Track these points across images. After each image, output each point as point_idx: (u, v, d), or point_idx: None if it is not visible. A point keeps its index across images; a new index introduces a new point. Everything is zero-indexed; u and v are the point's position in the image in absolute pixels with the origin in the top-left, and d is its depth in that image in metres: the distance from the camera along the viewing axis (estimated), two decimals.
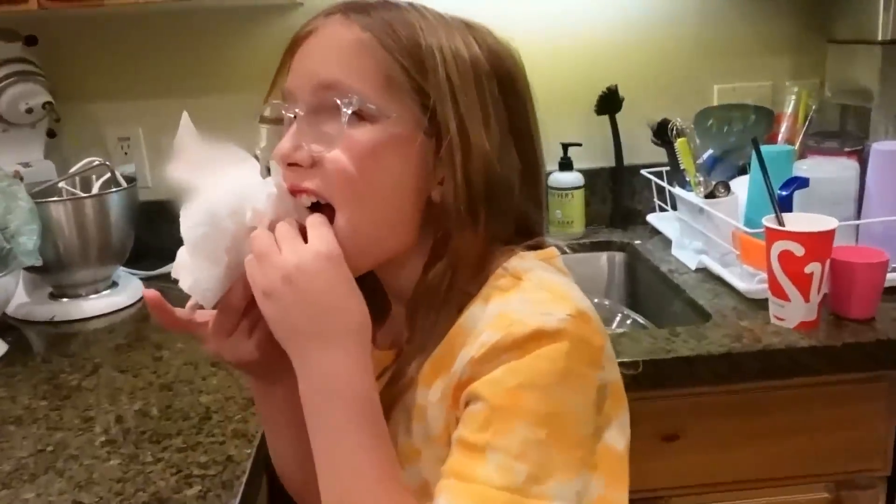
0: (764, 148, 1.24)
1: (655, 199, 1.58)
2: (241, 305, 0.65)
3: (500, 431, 0.55)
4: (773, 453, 1.09)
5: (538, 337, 0.56)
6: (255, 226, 0.62)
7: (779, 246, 1.05)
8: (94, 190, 1.36)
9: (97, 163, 1.33)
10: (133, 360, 1.11)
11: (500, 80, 0.65)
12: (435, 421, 0.62)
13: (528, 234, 0.68)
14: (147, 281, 1.44)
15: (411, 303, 0.67)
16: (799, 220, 1.08)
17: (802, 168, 1.27)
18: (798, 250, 1.03)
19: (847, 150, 1.32)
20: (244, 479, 0.79)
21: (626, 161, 1.62)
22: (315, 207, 0.64)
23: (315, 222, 0.62)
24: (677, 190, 1.41)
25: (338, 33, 0.63)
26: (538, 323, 0.57)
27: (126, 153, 1.55)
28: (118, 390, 1.02)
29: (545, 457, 0.55)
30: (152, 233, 1.50)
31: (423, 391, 0.64)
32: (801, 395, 1.07)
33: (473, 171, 0.62)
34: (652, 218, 1.59)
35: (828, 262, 1.05)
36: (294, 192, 0.64)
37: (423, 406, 0.63)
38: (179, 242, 1.61)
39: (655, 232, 1.56)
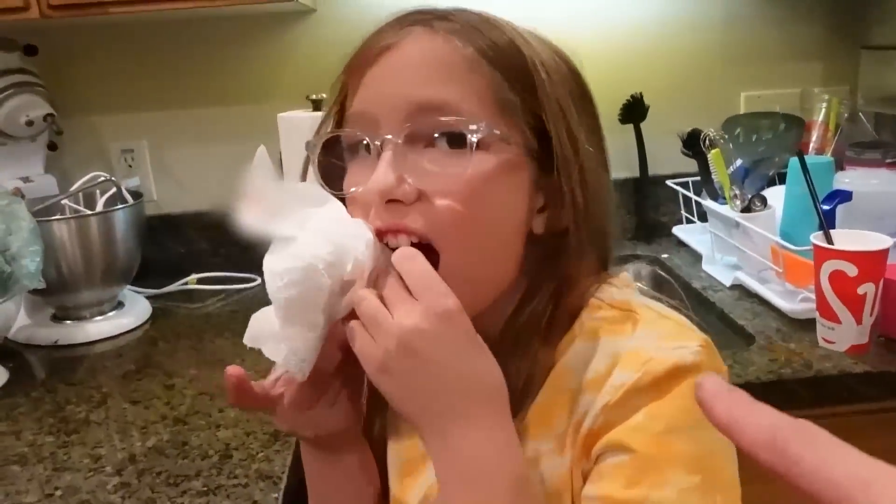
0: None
1: (682, 211, 1.52)
2: (330, 374, 0.56)
3: (655, 484, 0.50)
4: None
5: (676, 374, 0.52)
6: (352, 279, 0.52)
7: (829, 266, 0.99)
8: (99, 206, 1.29)
9: (102, 178, 1.26)
10: (143, 388, 1.05)
11: (582, 94, 0.60)
12: (552, 474, 0.55)
13: (605, 259, 0.63)
14: (154, 300, 1.38)
15: (504, 345, 0.57)
16: (847, 238, 1.02)
17: (844, 181, 1.22)
18: (851, 270, 0.97)
19: (889, 161, 1.26)
20: None
21: (651, 171, 1.56)
22: None
23: (419, 270, 0.51)
24: (709, 202, 1.35)
25: (432, 47, 0.55)
26: (675, 358, 0.52)
27: (130, 166, 1.49)
28: (129, 424, 0.95)
29: (705, 502, 0.51)
30: (158, 248, 1.45)
31: (531, 443, 0.56)
32: (853, 423, 1.00)
33: (589, 194, 0.56)
34: (678, 231, 1.53)
35: (881, 282, 0.99)
36: (387, 233, 0.54)
37: (533, 459, 0.56)
38: (187, 257, 1.53)
39: (682, 245, 1.50)
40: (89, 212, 1.27)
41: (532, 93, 0.56)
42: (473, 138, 0.53)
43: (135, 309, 1.31)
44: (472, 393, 0.50)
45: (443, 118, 0.53)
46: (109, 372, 1.12)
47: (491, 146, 0.54)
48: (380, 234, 0.54)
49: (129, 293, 1.36)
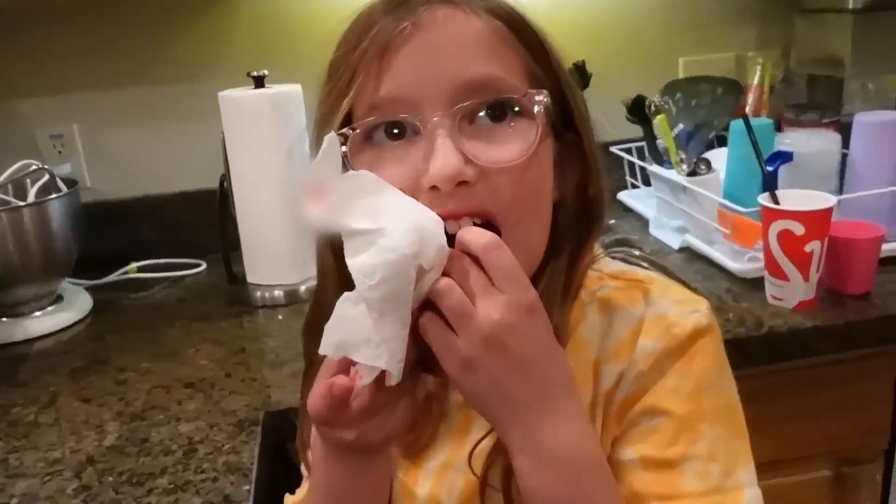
0: (741, 123, 1.20)
1: (627, 177, 1.54)
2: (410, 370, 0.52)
3: (691, 440, 0.55)
4: (777, 436, 1.06)
5: (696, 336, 0.57)
6: (428, 267, 0.49)
7: (778, 225, 1.02)
8: (31, 197, 1.23)
9: (34, 167, 1.20)
10: (95, 385, 1.01)
11: None
12: None
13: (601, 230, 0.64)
14: (94, 291, 1.32)
15: None
16: (792, 198, 1.05)
17: (785, 142, 1.25)
18: (798, 229, 1.00)
19: (826, 121, 1.29)
20: None
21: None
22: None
23: (506, 261, 0.49)
24: (655, 167, 1.36)
25: (466, 23, 0.54)
26: (694, 321, 0.58)
27: (60, 152, 1.42)
28: (83, 423, 0.91)
29: (729, 449, 0.56)
30: (95, 237, 1.39)
31: None
32: (805, 377, 1.05)
33: (596, 167, 0.59)
34: (623, 196, 1.55)
35: (826, 239, 1.02)
36: (454, 217, 0.52)
37: None
38: (127, 246, 1.45)
39: (628, 210, 1.52)
40: (21, 203, 1.20)
41: (548, 63, 0.57)
42: (538, 109, 0.54)
43: (75, 302, 1.26)
44: (554, 384, 0.51)
45: (503, 94, 0.54)
46: (55, 370, 1.07)
47: (537, 118, 0.54)
48: (444, 220, 0.51)
49: (68, 286, 1.30)
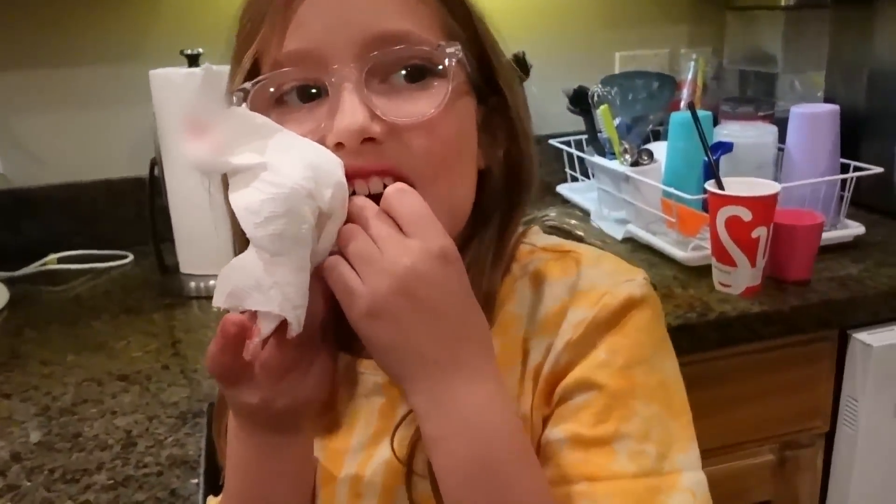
0: (683, 114, 1.22)
1: (567, 170, 1.54)
2: (312, 330, 0.48)
3: (623, 417, 0.51)
4: (724, 421, 1.07)
5: (629, 306, 0.53)
6: (329, 210, 0.46)
7: (725, 212, 1.03)
8: None
9: None
10: (15, 381, 0.93)
11: None
12: None
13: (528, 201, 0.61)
14: (10, 284, 1.23)
15: None
16: (737, 185, 1.06)
17: (723, 133, 1.27)
18: (746, 215, 1.01)
19: (761, 114, 1.33)
20: None
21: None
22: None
23: (415, 206, 0.47)
24: (597, 159, 1.37)
25: None
26: (627, 291, 0.53)
27: None
28: (6, 420, 0.83)
29: (664, 430, 0.52)
30: (10, 228, 1.29)
31: None
32: (752, 362, 1.06)
33: (525, 134, 0.56)
34: (563, 189, 1.55)
35: (771, 226, 1.04)
36: (357, 177, 0.49)
37: None
38: (45, 237, 1.37)
39: (567, 203, 1.52)
40: None
41: (468, 20, 0.55)
42: (449, 63, 0.51)
43: None
44: (465, 340, 0.47)
45: (413, 47, 0.51)
46: None
47: (449, 75, 0.52)
48: (349, 180, 0.48)
49: None
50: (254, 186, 0.44)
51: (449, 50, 0.51)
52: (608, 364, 0.52)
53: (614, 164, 1.32)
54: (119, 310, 1.13)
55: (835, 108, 1.21)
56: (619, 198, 1.33)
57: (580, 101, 1.40)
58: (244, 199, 0.44)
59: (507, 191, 0.58)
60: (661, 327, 0.56)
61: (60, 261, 1.30)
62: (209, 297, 1.15)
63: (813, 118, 1.20)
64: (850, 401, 1.10)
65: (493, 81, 0.56)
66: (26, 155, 1.36)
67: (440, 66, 0.52)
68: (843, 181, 1.21)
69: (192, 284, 1.17)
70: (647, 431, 0.51)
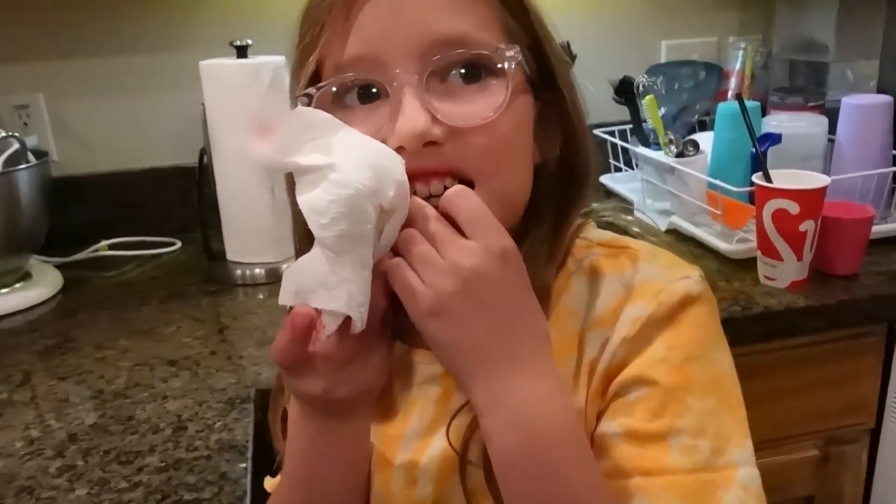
0: (730, 105, 1.20)
1: (610, 160, 1.53)
2: (374, 324, 0.50)
3: (677, 412, 0.52)
4: (767, 415, 1.05)
5: (686, 303, 0.54)
6: (391, 208, 0.47)
7: (773, 205, 1.01)
8: None
9: (3, 134, 1.13)
10: (70, 363, 0.96)
11: None
12: None
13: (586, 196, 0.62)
14: (63, 269, 1.26)
15: None
16: (785, 178, 1.05)
17: (772, 124, 1.25)
18: (793, 208, 1.00)
19: (811, 105, 1.30)
20: (248, 501, 0.68)
21: None
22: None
23: (473, 208, 0.48)
24: (642, 149, 1.35)
25: None
26: (684, 288, 0.54)
27: (26, 123, 1.35)
28: (62, 402, 0.87)
29: (720, 425, 0.52)
30: (62, 213, 1.33)
31: None
32: (796, 356, 1.05)
33: (581, 129, 0.56)
34: (606, 179, 1.54)
35: (819, 219, 1.02)
36: (419, 179, 0.50)
37: None
38: (95, 223, 1.39)
39: (610, 194, 1.52)
40: None
41: (525, 18, 0.55)
42: (508, 66, 0.51)
43: (44, 280, 1.20)
44: (526, 338, 0.48)
45: (472, 51, 0.51)
46: (26, 348, 1.01)
47: (508, 76, 0.52)
48: (409, 181, 0.49)
49: (35, 263, 1.24)
50: (321, 187, 0.45)
51: (509, 53, 0.52)
52: (665, 360, 0.53)
53: (659, 155, 1.30)
54: (167, 295, 1.16)
55: (888, 99, 1.18)
56: (663, 189, 1.32)
57: (625, 91, 1.38)
58: (311, 201, 0.45)
59: (562, 185, 0.59)
60: (717, 323, 0.56)
61: (111, 247, 1.34)
62: (255, 285, 1.19)
63: (865, 109, 1.18)
64: None
65: (549, 77, 0.56)
66: (78, 143, 1.39)
67: (500, 69, 0.52)
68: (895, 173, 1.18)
69: (238, 272, 1.20)
70: (702, 427, 0.52)
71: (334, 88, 0.53)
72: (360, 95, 0.53)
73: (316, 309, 0.47)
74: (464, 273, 0.46)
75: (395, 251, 0.49)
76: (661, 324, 0.53)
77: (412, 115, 0.50)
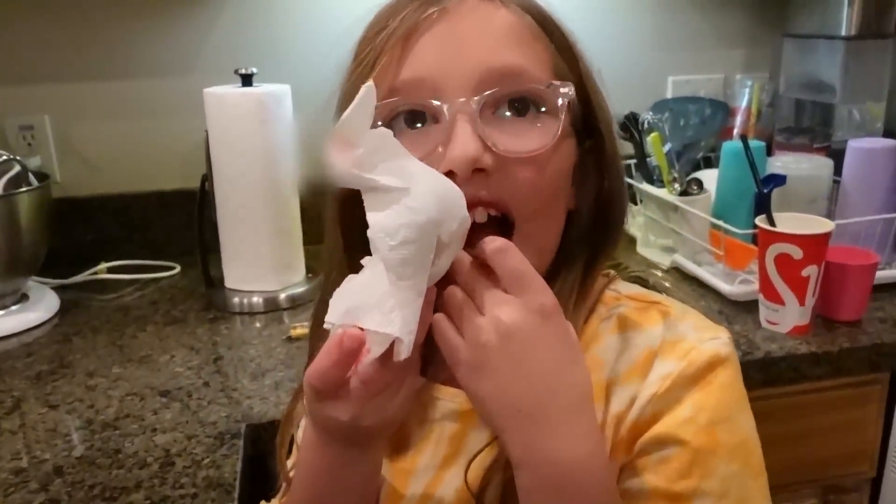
0: (735, 144, 1.20)
1: None
2: (416, 352, 0.49)
3: (704, 475, 0.52)
4: (767, 462, 1.03)
5: (714, 364, 0.54)
6: (447, 241, 0.47)
7: (775, 249, 1.00)
8: None
9: (3, 157, 1.13)
10: (62, 391, 0.95)
11: None
12: None
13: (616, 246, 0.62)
14: (61, 291, 1.26)
15: None
16: (789, 221, 1.04)
17: (776, 165, 1.24)
18: (796, 253, 0.99)
19: (817, 146, 1.29)
20: None
21: None
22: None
23: (514, 264, 0.48)
24: (647, 186, 1.35)
25: (497, 14, 0.54)
26: (713, 349, 0.54)
27: (30, 144, 1.35)
28: (50, 432, 0.86)
29: (743, 489, 0.53)
30: (63, 235, 1.33)
31: None
32: (797, 403, 1.03)
33: (618, 179, 0.57)
34: None
35: (823, 264, 1.01)
36: (468, 204, 0.50)
37: None
38: (97, 245, 1.39)
39: None
40: None
41: (575, 63, 0.57)
42: (562, 103, 0.53)
43: (41, 302, 1.19)
44: (565, 396, 0.48)
45: (529, 85, 0.53)
46: (19, 373, 1.00)
47: (561, 113, 0.53)
48: None
49: (33, 284, 1.24)
50: (394, 209, 0.45)
51: (563, 90, 0.53)
52: (693, 420, 0.53)
53: (662, 193, 1.30)
54: (164, 322, 1.16)
55: (894, 143, 1.17)
56: (667, 226, 1.31)
57: (630, 127, 1.38)
58: (382, 221, 0.45)
59: (594, 233, 0.59)
60: (742, 386, 0.56)
61: (110, 270, 1.33)
62: (252, 313, 1.18)
63: (871, 153, 1.17)
64: None
65: (591, 124, 0.57)
66: (82, 164, 1.39)
67: (552, 105, 0.53)
68: None
69: (237, 300, 1.19)
70: (727, 490, 0.52)
71: (386, 113, 0.53)
72: (406, 120, 0.54)
73: (361, 329, 0.46)
74: (502, 328, 0.46)
75: (438, 303, 0.50)
76: (690, 383, 0.54)
77: (465, 140, 0.50)
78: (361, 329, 0.46)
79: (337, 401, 0.50)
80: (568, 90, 0.53)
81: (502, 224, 0.53)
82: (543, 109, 0.54)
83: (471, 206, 0.50)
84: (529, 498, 0.48)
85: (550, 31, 0.56)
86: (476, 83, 0.52)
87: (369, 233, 0.46)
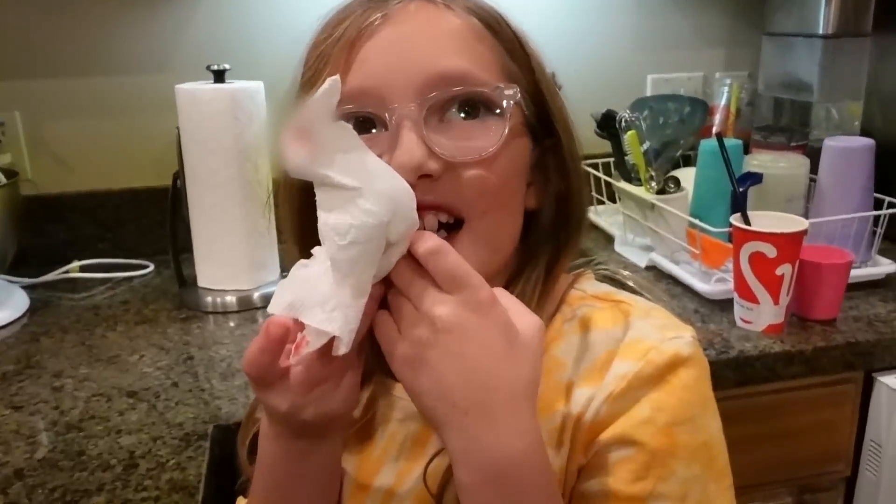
0: (713, 142, 1.19)
1: (593, 193, 1.52)
2: (355, 351, 0.50)
3: (661, 477, 0.51)
4: (740, 462, 1.02)
5: (675, 364, 0.53)
6: (396, 243, 0.47)
7: (749, 247, 1.00)
8: None
9: None
10: (27, 392, 0.93)
11: None
12: None
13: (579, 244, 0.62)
14: (31, 290, 1.24)
15: None
16: (764, 220, 1.04)
17: (753, 163, 1.24)
18: (770, 252, 0.99)
19: (794, 144, 1.29)
20: None
21: None
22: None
23: (448, 265, 0.47)
24: (624, 184, 1.34)
25: (440, 18, 0.54)
26: (674, 348, 0.53)
27: (0, 141, 1.33)
28: (14, 434, 0.84)
29: (703, 493, 0.52)
30: (34, 233, 1.31)
31: None
32: (771, 402, 1.03)
33: (576, 178, 0.57)
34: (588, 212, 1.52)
35: (797, 263, 1.01)
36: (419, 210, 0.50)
37: None
38: (68, 243, 1.38)
39: (592, 227, 1.50)
40: None
41: (526, 63, 0.56)
42: (507, 104, 0.52)
43: (10, 301, 1.17)
44: (499, 392, 0.47)
45: (472, 88, 0.52)
46: None
47: (506, 114, 0.53)
48: None
49: (2, 283, 1.22)
50: (346, 210, 0.45)
51: (507, 92, 0.53)
52: (651, 421, 0.52)
53: (640, 191, 1.29)
54: (135, 321, 1.14)
55: (869, 142, 1.17)
56: (644, 225, 1.30)
57: (608, 125, 1.37)
58: (333, 219, 0.45)
59: (555, 230, 0.59)
60: (707, 387, 0.56)
61: (83, 269, 1.32)
62: (225, 313, 1.17)
63: (846, 152, 1.17)
64: (874, 445, 1.06)
65: (548, 122, 0.57)
66: (54, 161, 1.37)
67: (498, 107, 0.53)
68: (877, 216, 1.17)
69: (209, 299, 1.18)
70: (685, 493, 0.51)
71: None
72: (357, 128, 0.53)
73: (296, 322, 0.47)
74: (438, 324, 0.46)
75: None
76: (648, 383, 0.53)
77: (409, 147, 0.50)
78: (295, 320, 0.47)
79: (276, 390, 0.50)
80: (512, 92, 0.53)
81: (450, 229, 0.53)
82: (494, 112, 0.53)
83: (420, 210, 0.49)
84: (468, 495, 0.47)
85: (498, 33, 0.55)
86: (419, 89, 0.52)
87: (319, 227, 0.46)
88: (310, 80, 0.55)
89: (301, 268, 0.48)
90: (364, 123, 0.53)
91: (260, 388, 0.51)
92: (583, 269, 0.63)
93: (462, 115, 0.53)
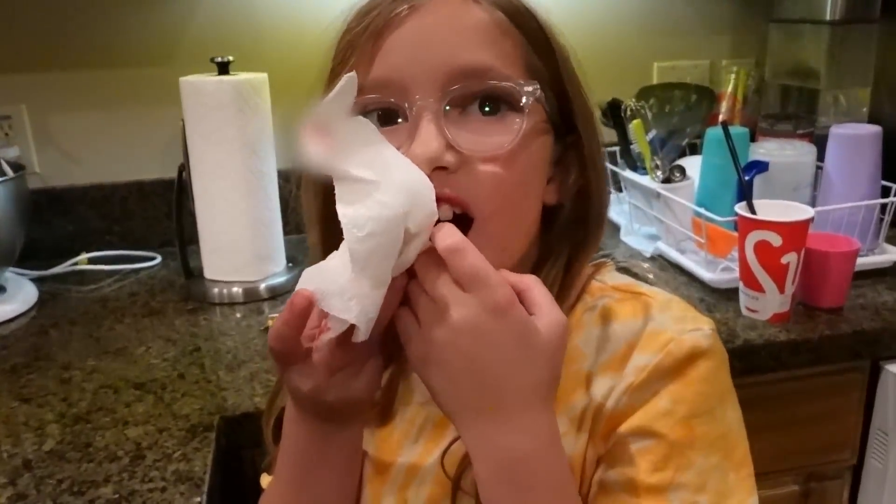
0: (719, 131, 1.19)
1: None
2: (377, 339, 0.51)
3: (680, 467, 0.52)
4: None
5: (694, 356, 0.54)
6: (415, 232, 0.48)
7: (755, 236, 1.00)
8: None
9: None
10: (36, 384, 0.94)
11: None
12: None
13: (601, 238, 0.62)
14: (40, 283, 1.25)
15: None
16: (769, 208, 1.03)
17: (759, 152, 1.23)
18: (775, 240, 0.98)
19: (800, 132, 1.28)
20: None
21: None
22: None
23: (466, 265, 0.47)
24: (629, 173, 1.34)
25: (465, 11, 0.53)
26: (693, 340, 0.54)
27: (7, 134, 1.34)
28: (21, 426, 0.85)
29: (722, 482, 0.53)
30: (42, 226, 1.32)
31: None
32: (777, 391, 1.03)
33: (597, 175, 0.57)
34: None
35: (803, 251, 1.00)
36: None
37: None
38: (76, 235, 1.38)
39: None
40: None
41: (551, 57, 0.56)
42: (526, 101, 0.52)
43: (19, 294, 1.18)
44: (515, 393, 0.47)
45: (492, 81, 0.52)
46: None
47: (528, 110, 0.53)
48: None
49: (11, 276, 1.23)
50: (363, 202, 0.46)
51: (528, 88, 0.53)
52: (670, 413, 0.53)
53: (645, 180, 1.29)
54: (143, 313, 1.15)
55: (877, 129, 1.16)
56: (650, 214, 1.30)
57: (614, 114, 1.37)
58: (352, 212, 0.46)
59: (575, 227, 0.59)
60: (726, 378, 0.56)
61: (91, 261, 1.33)
62: (232, 304, 1.17)
63: (853, 140, 1.16)
64: (880, 434, 1.06)
65: (571, 118, 0.57)
66: (61, 154, 1.38)
67: (519, 103, 0.53)
68: (884, 204, 1.16)
69: (216, 290, 1.18)
70: (704, 483, 0.52)
71: (357, 112, 0.53)
72: (379, 118, 0.54)
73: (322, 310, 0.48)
74: (454, 325, 0.46)
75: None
76: (667, 375, 0.53)
77: (427, 139, 0.51)
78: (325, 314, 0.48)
79: (299, 370, 0.51)
80: (533, 88, 0.53)
81: (464, 221, 0.53)
82: (514, 108, 0.53)
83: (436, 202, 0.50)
84: (484, 488, 0.48)
85: (523, 26, 0.55)
86: (442, 82, 0.52)
87: (340, 220, 0.47)
88: (336, 67, 0.56)
89: (331, 258, 0.50)
90: (389, 115, 0.54)
91: (284, 366, 0.52)
92: (603, 259, 0.64)
93: (483, 110, 0.53)
